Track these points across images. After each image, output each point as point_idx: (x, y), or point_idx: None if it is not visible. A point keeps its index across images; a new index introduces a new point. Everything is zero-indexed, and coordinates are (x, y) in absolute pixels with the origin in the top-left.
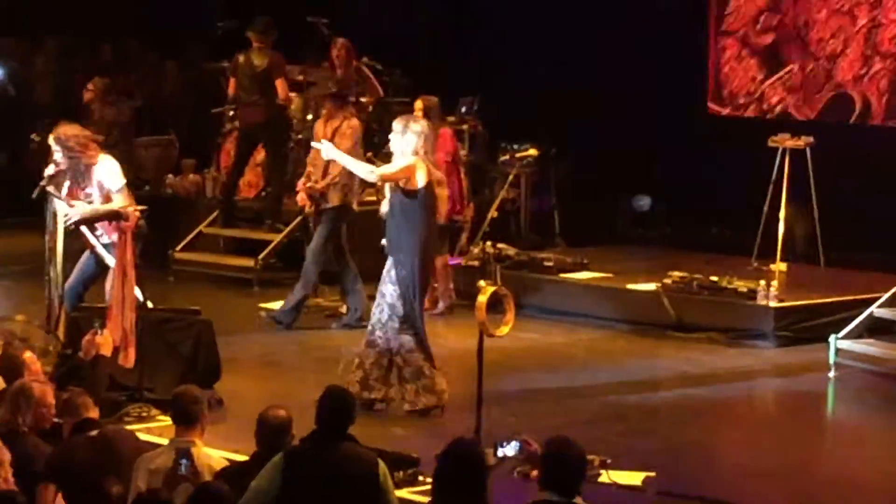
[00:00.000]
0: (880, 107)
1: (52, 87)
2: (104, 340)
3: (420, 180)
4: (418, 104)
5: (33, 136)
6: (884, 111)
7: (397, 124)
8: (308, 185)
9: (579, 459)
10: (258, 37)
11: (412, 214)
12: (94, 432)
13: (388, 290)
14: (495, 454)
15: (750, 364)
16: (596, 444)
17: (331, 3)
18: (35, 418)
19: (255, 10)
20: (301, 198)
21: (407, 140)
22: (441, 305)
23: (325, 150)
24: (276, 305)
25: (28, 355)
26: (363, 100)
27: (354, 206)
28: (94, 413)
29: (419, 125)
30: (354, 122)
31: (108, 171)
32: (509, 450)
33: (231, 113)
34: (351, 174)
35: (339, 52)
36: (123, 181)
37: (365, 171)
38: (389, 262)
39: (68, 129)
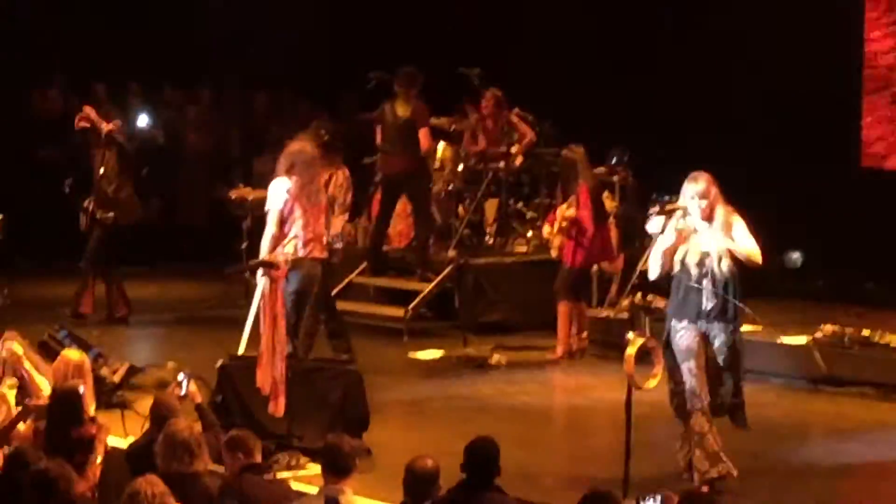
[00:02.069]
0: None
1: (206, 137)
2: (194, 389)
3: None
4: (565, 154)
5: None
6: None
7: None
8: None
9: None
10: (403, 87)
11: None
12: (269, 476)
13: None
14: None
15: None
16: (747, 499)
17: (484, 54)
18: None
19: (408, 60)
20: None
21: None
22: (556, 352)
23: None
24: (426, 355)
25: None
26: (512, 150)
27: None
28: (260, 457)
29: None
30: (346, 171)
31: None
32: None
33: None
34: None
35: (488, 104)
36: (276, 206)
37: (756, 254)
38: (719, 327)
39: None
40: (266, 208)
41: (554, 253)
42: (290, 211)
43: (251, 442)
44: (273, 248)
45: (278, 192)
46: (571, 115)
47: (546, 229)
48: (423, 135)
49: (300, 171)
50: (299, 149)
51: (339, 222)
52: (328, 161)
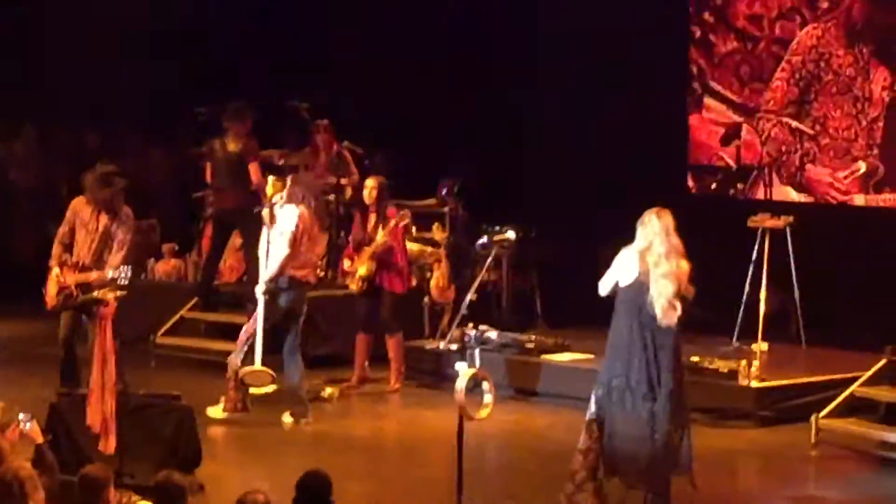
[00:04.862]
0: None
1: (31, 173)
2: (35, 430)
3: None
4: (370, 182)
5: None
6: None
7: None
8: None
9: None
10: (232, 123)
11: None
12: None
13: None
14: None
15: (732, 444)
16: None
17: (310, 88)
18: None
19: (237, 93)
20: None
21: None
22: (394, 383)
23: None
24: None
25: None
26: (343, 182)
27: None
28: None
29: (647, 218)
30: (128, 209)
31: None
32: None
33: (211, 199)
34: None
35: (325, 135)
36: (290, 229)
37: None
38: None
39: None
40: (279, 231)
41: (355, 286)
42: (303, 234)
43: None
44: (282, 269)
45: (291, 216)
46: (403, 147)
47: (346, 263)
48: (254, 169)
49: (309, 200)
50: (311, 179)
51: (119, 258)
52: (118, 204)
